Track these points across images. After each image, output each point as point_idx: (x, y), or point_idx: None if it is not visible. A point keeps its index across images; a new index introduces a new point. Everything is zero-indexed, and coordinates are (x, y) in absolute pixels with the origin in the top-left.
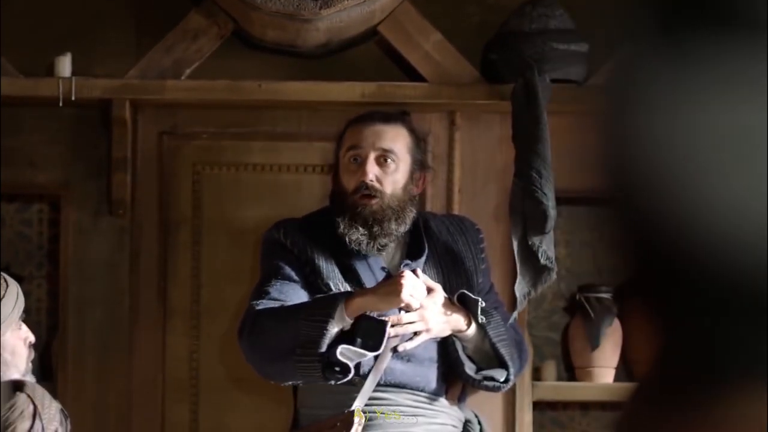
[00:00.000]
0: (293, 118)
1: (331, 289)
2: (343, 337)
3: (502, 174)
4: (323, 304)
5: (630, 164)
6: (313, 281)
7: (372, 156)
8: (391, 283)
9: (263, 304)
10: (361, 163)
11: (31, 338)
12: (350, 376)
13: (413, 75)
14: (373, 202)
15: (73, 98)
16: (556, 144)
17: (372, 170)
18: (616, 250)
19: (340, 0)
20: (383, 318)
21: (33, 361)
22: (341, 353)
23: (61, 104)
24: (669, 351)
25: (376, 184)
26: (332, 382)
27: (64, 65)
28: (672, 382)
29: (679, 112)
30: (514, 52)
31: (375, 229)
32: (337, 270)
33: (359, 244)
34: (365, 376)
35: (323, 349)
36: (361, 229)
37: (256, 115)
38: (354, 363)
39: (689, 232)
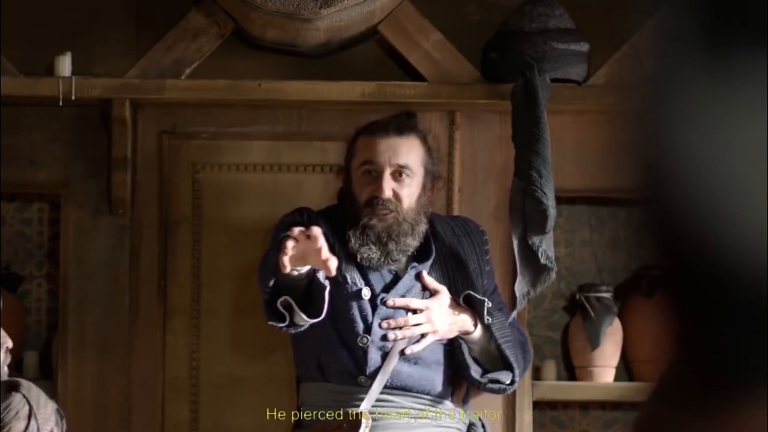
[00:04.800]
0: (293, 118)
1: (346, 280)
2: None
3: (502, 174)
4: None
5: (662, 165)
6: None
7: (387, 172)
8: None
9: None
10: (375, 177)
11: (9, 344)
12: (283, 326)
13: (413, 74)
14: (389, 216)
15: (73, 97)
16: (556, 144)
17: (388, 186)
18: (642, 248)
19: None
20: (326, 283)
21: (9, 366)
22: (281, 303)
23: (61, 104)
24: (690, 353)
25: (392, 198)
26: (274, 325)
27: (64, 64)
28: (692, 384)
29: (717, 122)
30: (514, 52)
31: (390, 245)
32: (351, 264)
33: (370, 261)
34: (372, 377)
35: (271, 282)
36: (373, 247)
37: (256, 114)
38: (288, 320)
39: (716, 237)
